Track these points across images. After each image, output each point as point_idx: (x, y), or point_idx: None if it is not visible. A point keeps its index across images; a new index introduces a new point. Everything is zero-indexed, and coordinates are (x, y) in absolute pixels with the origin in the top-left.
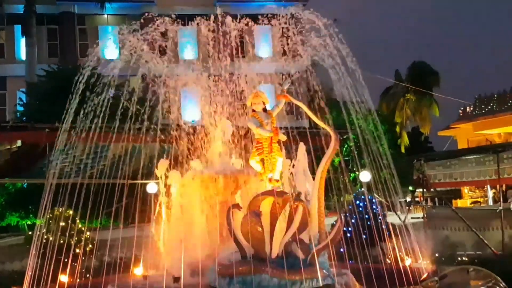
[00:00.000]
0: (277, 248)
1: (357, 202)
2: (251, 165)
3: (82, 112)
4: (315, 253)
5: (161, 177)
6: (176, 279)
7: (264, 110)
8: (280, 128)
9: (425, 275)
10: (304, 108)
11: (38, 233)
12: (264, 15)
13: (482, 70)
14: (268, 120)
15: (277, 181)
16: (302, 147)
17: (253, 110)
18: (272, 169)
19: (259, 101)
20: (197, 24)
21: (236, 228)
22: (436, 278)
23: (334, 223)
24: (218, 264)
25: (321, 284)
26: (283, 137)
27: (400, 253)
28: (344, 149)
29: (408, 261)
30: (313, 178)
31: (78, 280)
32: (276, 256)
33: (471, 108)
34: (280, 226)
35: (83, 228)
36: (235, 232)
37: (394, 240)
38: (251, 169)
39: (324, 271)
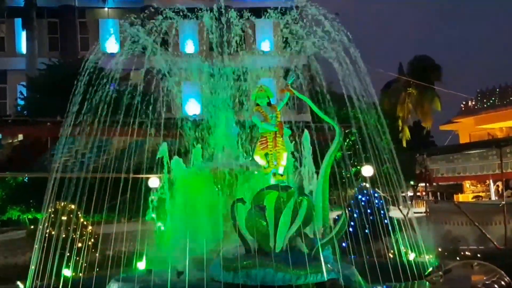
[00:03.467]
0: (281, 242)
1: (360, 196)
2: (256, 160)
3: (84, 106)
4: (319, 248)
5: (161, 166)
6: (180, 273)
7: (269, 104)
8: (284, 122)
9: (429, 270)
10: (309, 102)
11: (41, 227)
12: (266, 9)
13: (484, 64)
14: (273, 114)
15: (282, 175)
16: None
17: (257, 104)
18: (277, 164)
19: (263, 95)
20: (199, 17)
21: (241, 222)
22: (440, 272)
23: (337, 217)
24: (222, 258)
25: (325, 279)
26: (288, 132)
27: (404, 248)
28: (346, 143)
29: (411, 256)
30: (317, 173)
31: (81, 274)
32: (281, 250)
33: (473, 102)
34: (284, 220)
35: (85, 222)
36: (240, 226)
37: (398, 234)
38: (255, 163)
39: (329, 265)
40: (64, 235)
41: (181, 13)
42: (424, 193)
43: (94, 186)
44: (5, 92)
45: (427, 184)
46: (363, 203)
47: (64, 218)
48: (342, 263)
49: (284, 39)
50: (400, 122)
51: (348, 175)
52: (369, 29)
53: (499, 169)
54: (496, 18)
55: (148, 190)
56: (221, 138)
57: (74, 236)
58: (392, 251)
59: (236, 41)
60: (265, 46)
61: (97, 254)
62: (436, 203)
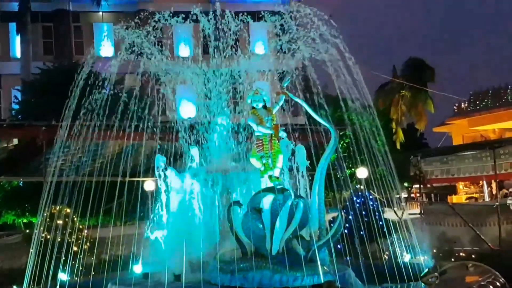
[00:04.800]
0: (277, 244)
1: (355, 198)
2: (252, 162)
3: (79, 109)
4: (316, 250)
5: (159, 175)
6: (177, 277)
7: (264, 107)
8: (280, 125)
9: (425, 271)
10: (304, 105)
11: (36, 231)
12: (260, 12)
13: (477, 66)
14: (268, 117)
15: (278, 178)
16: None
17: (253, 107)
18: (273, 166)
19: (259, 98)
20: (193, 21)
21: (237, 225)
22: (436, 273)
23: (332, 219)
24: (219, 261)
25: (322, 280)
26: (283, 134)
27: (399, 249)
28: (340, 145)
29: (407, 257)
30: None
31: (76, 278)
32: (277, 253)
33: (466, 104)
34: (280, 222)
35: (81, 226)
36: (236, 229)
37: (393, 236)
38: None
39: (325, 267)
40: (59, 239)
41: (175, 17)
42: (418, 195)
43: (90, 189)
44: None
45: (421, 186)
46: (358, 205)
47: (59, 222)
48: (338, 265)
49: (279, 42)
50: (394, 124)
51: (343, 177)
52: (363, 30)
53: (493, 171)
54: (495, 18)
55: (144, 193)
56: (216, 141)
57: (69, 240)
58: (387, 253)
59: (231, 44)
60: (260, 49)
61: (93, 258)
62: (430, 205)
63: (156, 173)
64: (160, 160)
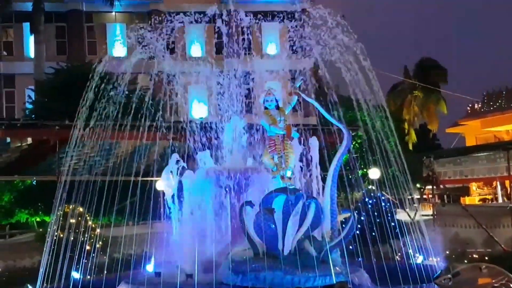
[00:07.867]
0: (289, 245)
1: (367, 199)
2: (264, 163)
3: (92, 109)
4: (328, 250)
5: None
6: (189, 276)
7: (277, 107)
8: (292, 125)
9: (438, 273)
10: (317, 105)
11: (50, 230)
12: (272, 12)
13: (490, 66)
14: (281, 117)
15: (290, 178)
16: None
17: (266, 108)
18: (285, 167)
19: (271, 99)
20: (205, 21)
21: (249, 225)
22: (449, 275)
23: (344, 220)
24: (231, 261)
25: (334, 281)
26: (296, 135)
27: (411, 250)
28: (353, 146)
29: (419, 259)
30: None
31: (89, 276)
32: (289, 253)
33: (479, 105)
34: (292, 223)
35: (93, 225)
36: (248, 229)
37: (406, 237)
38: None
39: (337, 268)
40: (72, 238)
41: (187, 17)
42: (430, 196)
43: (103, 189)
44: (13, 96)
45: (434, 187)
46: (370, 206)
47: (72, 221)
48: (351, 266)
49: (290, 42)
50: (406, 125)
51: (355, 178)
52: (374, 30)
53: (506, 172)
54: (504, 17)
55: (156, 193)
56: (228, 141)
57: (82, 239)
58: (399, 254)
59: (243, 45)
60: (272, 49)
61: (105, 257)
62: (443, 206)
63: (164, 173)
64: (173, 160)
